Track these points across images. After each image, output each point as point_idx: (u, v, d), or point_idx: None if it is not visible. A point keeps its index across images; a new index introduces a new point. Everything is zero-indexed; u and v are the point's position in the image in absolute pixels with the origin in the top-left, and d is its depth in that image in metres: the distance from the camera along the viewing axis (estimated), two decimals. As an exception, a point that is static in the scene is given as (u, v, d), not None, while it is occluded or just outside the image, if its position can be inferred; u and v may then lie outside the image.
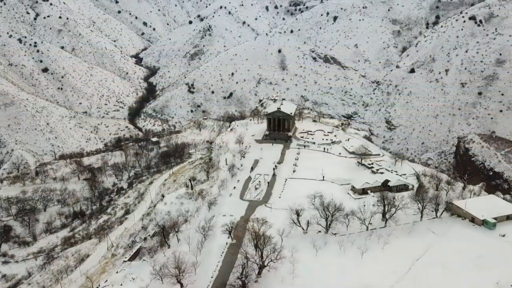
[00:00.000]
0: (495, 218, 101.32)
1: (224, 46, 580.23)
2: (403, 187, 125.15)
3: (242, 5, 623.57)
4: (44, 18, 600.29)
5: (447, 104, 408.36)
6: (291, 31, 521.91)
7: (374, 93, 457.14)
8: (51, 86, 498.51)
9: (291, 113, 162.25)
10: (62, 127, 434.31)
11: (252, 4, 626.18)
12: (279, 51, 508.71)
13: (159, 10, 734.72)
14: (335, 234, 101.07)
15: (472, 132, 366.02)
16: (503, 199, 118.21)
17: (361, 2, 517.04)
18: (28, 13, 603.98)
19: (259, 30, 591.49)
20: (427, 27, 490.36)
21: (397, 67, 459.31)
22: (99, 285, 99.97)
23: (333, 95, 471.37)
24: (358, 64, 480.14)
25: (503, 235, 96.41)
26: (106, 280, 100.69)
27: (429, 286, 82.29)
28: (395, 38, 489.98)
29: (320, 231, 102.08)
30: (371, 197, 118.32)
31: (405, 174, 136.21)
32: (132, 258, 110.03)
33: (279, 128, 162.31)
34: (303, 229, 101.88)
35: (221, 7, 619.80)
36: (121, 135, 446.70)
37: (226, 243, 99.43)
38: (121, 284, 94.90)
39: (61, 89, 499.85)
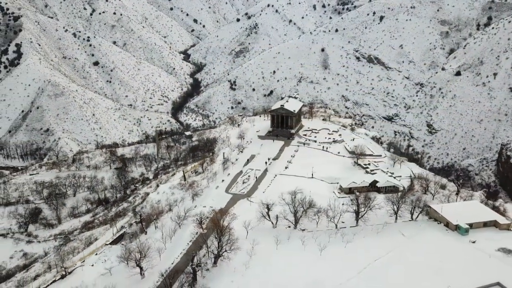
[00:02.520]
0: (470, 224, 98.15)
1: (269, 44, 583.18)
2: (393, 189, 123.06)
3: (290, 3, 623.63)
4: (100, 14, 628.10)
5: (493, 109, 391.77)
6: (336, 30, 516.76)
7: (417, 95, 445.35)
8: (100, 79, 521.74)
9: (294, 111, 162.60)
10: (107, 118, 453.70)
11: (299, 3, 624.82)
12: (323, 50, 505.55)
13: (209, 7, 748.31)
14: (303, 230, 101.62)
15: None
16: (493, 206, 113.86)
17: (409, 1, 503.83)
18: (85, 8, 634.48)
19: (305, 29, 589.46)
20: (477, 29, 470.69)
21: (443, 69, 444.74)
22: (75, 264, 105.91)
23: (374, 96, 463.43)
24: (402, 65, 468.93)
25: (474, 242, 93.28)
26: (84, 261, 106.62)
27: (378, 285, 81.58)
28: (443, 39, 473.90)
29: (289, 226, 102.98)
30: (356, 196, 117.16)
31: (400, 176, 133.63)
32: (114, 242, 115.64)
33: (282, 125, 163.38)
34: (272, 223, 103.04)
35: (268, 5, 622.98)
36: (162, 128, 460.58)
37: (197, 232, 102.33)
38: (93, 265, 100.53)
39: (110, 82, 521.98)
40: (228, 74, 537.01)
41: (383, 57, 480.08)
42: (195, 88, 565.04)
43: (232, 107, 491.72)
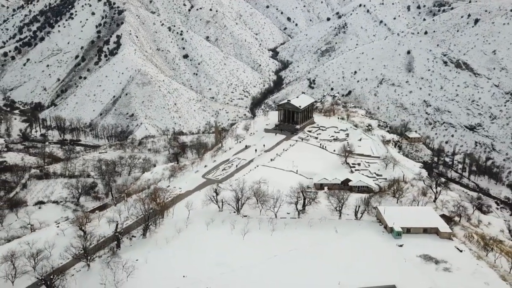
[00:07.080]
0: (409, 229, 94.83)
1: (356, 44, 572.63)
2: (366, 189, 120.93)
3: (383, 3, 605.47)
4: (197, 10, 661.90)
5: None
6: (425, 33, 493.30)
7: (505, 105, 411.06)
8: (188, 71, 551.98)
9: (300, 107, 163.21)
10: (187, 109, 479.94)
11: (393, 3, 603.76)
12: (408, 52, 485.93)
13: (304, 6, 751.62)
14: (245, 216, 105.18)
15: None
16: (459, 215, 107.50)
17: (509, 4, 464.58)
18: (185, 4, 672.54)
19: (396, 30, 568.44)
20: None
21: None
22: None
23: (458, 103, 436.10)
24: (492, 72, 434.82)
25: (401, 245, 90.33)
26: (59, 224, 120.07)
27: (277, 272, 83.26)
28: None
29: (235, 212, 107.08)
30: (323, 192, 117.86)
31: (385, 178, 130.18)
32: (93, 211, 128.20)
33: (289, 120, 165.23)
34: (218, 207, 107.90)
35: (360, 5, 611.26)
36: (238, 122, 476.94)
37: (151, 208, 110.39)
38: (58, 226, 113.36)
39: (196, 74, 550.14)
40: (309, 73, 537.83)
41: (472, 62, 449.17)
42: (277, 85, 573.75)
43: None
